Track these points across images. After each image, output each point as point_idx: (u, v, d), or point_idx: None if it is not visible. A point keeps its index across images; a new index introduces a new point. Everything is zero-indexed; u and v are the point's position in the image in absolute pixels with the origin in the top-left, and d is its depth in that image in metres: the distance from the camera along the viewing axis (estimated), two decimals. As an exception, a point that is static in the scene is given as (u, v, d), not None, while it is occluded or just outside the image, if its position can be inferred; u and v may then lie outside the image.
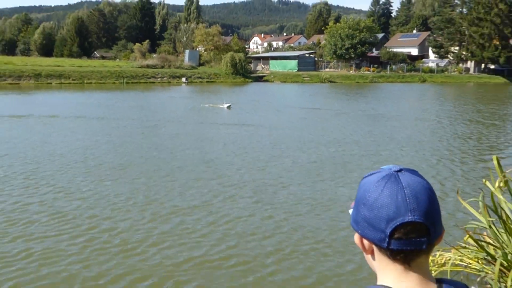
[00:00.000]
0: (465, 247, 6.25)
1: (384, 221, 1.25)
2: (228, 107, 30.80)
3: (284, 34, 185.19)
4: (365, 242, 1.34)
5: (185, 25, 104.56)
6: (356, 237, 1.37)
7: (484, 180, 6.09)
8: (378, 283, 1.34)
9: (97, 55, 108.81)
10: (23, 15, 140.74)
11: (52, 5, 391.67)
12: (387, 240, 1.25)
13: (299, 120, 27.48)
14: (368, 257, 1.38)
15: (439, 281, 1.31)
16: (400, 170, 1.30)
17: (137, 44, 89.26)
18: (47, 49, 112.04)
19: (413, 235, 1.24)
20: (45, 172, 13.66)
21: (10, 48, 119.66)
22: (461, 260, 6.14)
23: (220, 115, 28.77)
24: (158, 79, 63.29)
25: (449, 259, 6.13)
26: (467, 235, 6.14)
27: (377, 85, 66.07)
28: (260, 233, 9.14)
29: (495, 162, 6.19)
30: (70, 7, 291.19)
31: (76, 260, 7.68)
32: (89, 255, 7.94)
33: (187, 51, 78.60)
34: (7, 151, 16.58)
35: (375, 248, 1.32)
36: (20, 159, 15.16)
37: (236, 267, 7.63)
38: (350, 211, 1.40)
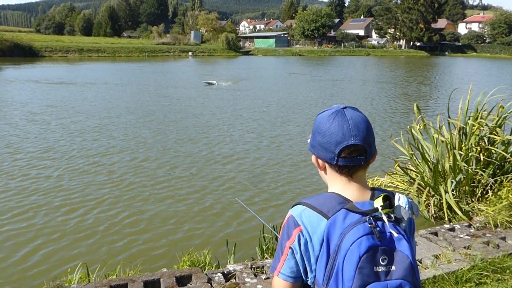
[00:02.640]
0: (395, 173, 6.35)
1: (334, 144, 1.29)
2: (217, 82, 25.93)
3: (265, 19, 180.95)
4: (320, 161, 1.38)
5: (191, 12, 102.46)
6: (313, 158, 1.41)
7: (409, 127, 6.13)
8: (329, 191, 1.37)
9: (125, 35, 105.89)
10: (69, 4, 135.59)
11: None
12: (336, 158, 1.30)
13: (280, 82, 27.30)
14: (321, 173, 1.42)
15: (372, 189, 1.36)
16: (345, 107, 1.33)
17: (155, 26, 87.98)
18: (87, 30, 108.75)
19: (355, 154, 1.29)
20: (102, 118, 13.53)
21: (59, 30, 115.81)
22: (391, 183, 6.26)
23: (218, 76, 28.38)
24: (171, 53, 62.29)
25: (383, 182, 6.25)
26: (396, 164, 6.24)
27: (334, 57, 65.51)
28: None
29: (415, 108, 6.27)
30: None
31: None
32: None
33: (192, 32, 77.38)
34: (83, 107, 16.37)
35: (327, 165, 1.36)
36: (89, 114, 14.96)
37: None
38: (308, 140, 1.42)
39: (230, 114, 15.71)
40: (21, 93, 19.83)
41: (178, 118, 14.72)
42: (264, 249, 4.70)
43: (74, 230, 6.15)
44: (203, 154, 10.22)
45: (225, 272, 3.69)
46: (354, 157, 1.28)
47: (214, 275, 3.63)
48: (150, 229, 6.24)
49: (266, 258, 4.41)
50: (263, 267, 3.82)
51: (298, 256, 1.30)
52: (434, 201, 5.50)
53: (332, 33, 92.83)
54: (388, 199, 1.26)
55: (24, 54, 46.57)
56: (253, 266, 3.80)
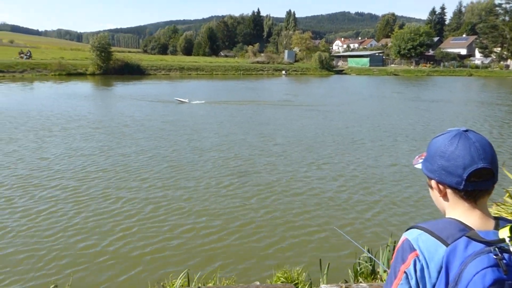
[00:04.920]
0: (504, 204, 5.88)
1: (461, 168, 1.25)
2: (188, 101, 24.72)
3: (359, 38, 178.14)
4: (441, 186, 1.34)
5: (285, 32, 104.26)
6: (433, 182, 1.36)
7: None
8: (447, 217, 1.33)
9: (222, 54, 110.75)
10: (172, 27, 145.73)
11: (192, 19, 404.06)
12: (463, 183, 1.26)
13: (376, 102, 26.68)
14: (438, 198, 1.38)
15: (496, 218, 1.29)
16: (467, 130, 1.31)
17: (250, 46, 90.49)
18: (188, 50, 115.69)
19: (483, 178, 1.25)
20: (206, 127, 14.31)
21: (163, 50, 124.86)
22: (498, 214, 5.79)
23: (313, 95, 28.51)
24: (265, 72, 63.69)
25: (490, 212, 5.80)
26: (507, 194, 5.78)
27: (432, 77, 62.22)
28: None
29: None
30: (204, 20, 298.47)
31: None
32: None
33: (286, 51, 78.41)
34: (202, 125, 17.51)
35: (449, 190, 1.32)
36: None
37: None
38: (419, 165, 1.41)
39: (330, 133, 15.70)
40: (136, 108, 21.66)
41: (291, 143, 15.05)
42: (358, 272, 4.63)
43: (178, 237, 6.57)
44: (302, 173, 10.33)
45: (319, 291, 3.70)
46: (482, 181, 1.24)
47: (308, 293, 3.66)
48: (248, 241, 6.45)
49: (361, 282, 4.34)
50: (357, 291, 3.76)
51: (413, 282, 1.25)
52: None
53: (431, 52, 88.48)
54: None
55: (133, 72, 50.75)
56: (348, 288, 3.76)
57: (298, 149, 12.73)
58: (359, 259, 4.70)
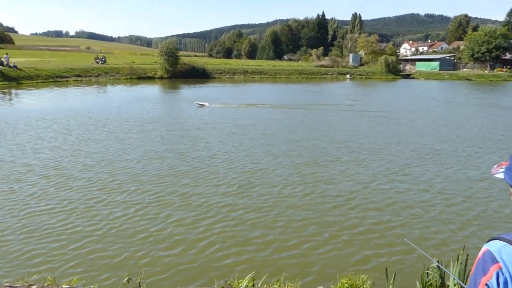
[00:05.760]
0: None
1: None
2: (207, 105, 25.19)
3: (429, 41, 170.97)
4: None
5: (350, 35, 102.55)
6: None
7: None
8: None
9: (286, 58, 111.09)
10: (237, 31, 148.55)
11: (256, 23, 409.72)
12: None
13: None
14: None
15: None
16: None
17: (314, 49, 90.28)
18: (252, 53, 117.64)
19: None
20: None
21: (228, 54, 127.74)
22: None
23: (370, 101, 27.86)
24: (329, 75, 63.00)
25: None
26: None
27: (508, 83, 58.34)
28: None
29: None
30: (268, 24, 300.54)
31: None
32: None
33: (351, 55, 77.23)
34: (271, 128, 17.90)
35: None
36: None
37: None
38: (500, 174, 1.38)
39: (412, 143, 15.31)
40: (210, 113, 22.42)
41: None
42: (427, 284, 4.49)
43: (245, 238, 6.78)
44: (380, 183, 10.19)
45: (387, 300, 3.65)
46: None
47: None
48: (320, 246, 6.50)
49: (429, 294, 4.22)
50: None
51: None
52: None
53: (508, 56, 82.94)
54: None
55: (198, 75, 52.30)
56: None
57: (373, 158, 12.54)
58: (427, 270, 4.57)
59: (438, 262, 4.22)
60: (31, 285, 3.26)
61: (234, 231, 7.04)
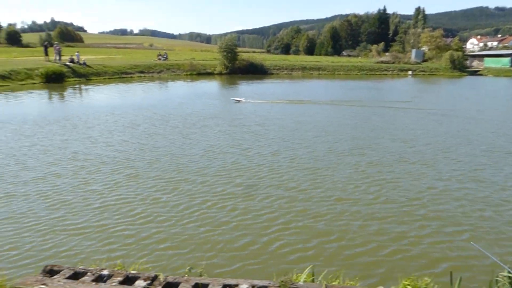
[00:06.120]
0: None
1: None
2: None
3: (499, 35, 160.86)
4: None
5: (413, 30, 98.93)
6: None
7: None
8: None
9: (345, 54, 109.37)
10: (295, 27, 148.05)
11: (315, 18, 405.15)
12: None
13: None
14: None
15: None
16: None
17: (374, 45, 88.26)
18: (310, 49, 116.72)
19: None
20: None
21: (286, 50, 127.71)
22: None
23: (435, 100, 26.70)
24: (390, 72, 61.34)
25: None
26: None
27: None
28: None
29: None
30: (327, 19, 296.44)
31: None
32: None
33: (413, 50, 74.56)
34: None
35: None
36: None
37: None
38: None
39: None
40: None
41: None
42: (495, 291, 4.36)
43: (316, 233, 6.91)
44: (453, 186, 9.96)
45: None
46: None
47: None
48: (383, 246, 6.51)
49: (498, 302, 4.09)
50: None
51: None
52: None
53: None
54: None
55: (257, 71, 52.85)
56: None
57: (441, 157, 12.19)
58: (496, 277, 4.42)
59: (510, 269, 4.09)
60: (102, 269, 3.57)
61: (297, 227, 7.16)
